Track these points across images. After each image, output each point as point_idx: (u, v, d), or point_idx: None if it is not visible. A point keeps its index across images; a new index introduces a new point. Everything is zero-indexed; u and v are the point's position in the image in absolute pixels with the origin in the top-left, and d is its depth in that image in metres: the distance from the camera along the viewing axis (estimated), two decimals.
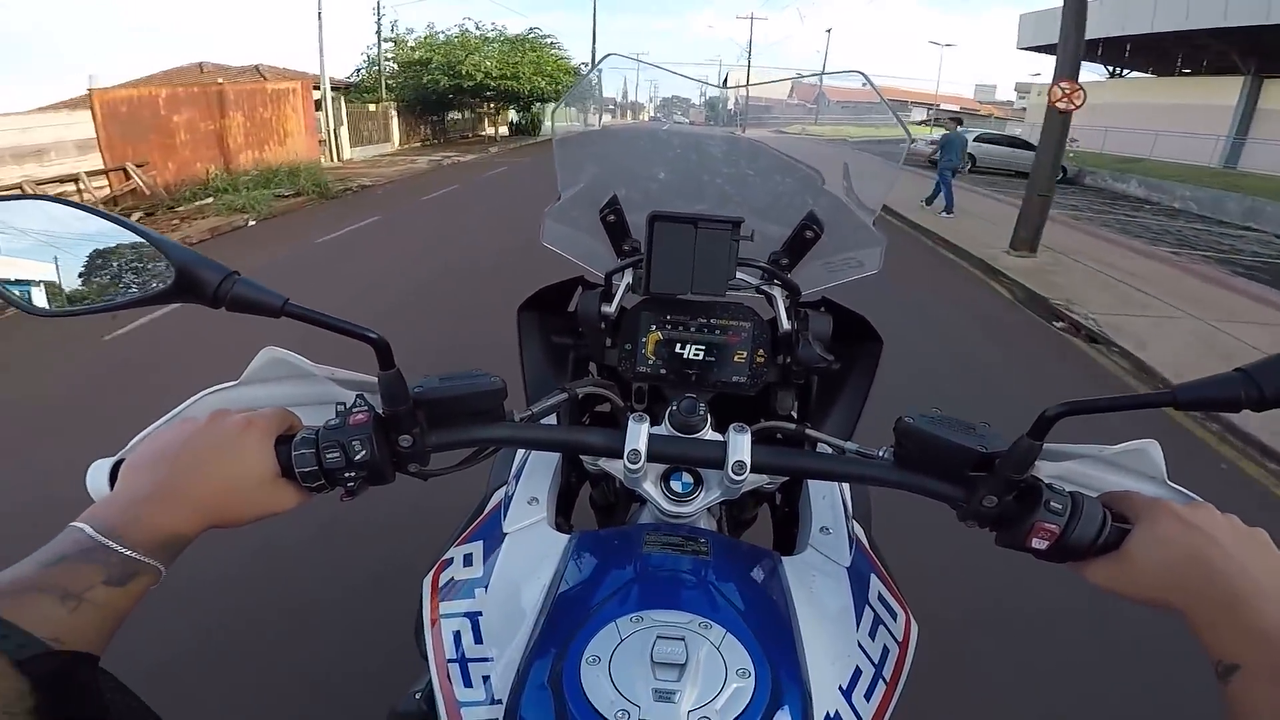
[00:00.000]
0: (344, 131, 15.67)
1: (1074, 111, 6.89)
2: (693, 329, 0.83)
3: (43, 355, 3.71)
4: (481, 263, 6.02)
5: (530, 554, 0.68)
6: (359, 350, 0.53)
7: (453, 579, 0.68)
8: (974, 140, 15.72)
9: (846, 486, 0.83)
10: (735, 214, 0.78)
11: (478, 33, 21.19)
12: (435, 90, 19.53)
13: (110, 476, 0.53)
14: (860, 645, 0.61)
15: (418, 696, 0.73)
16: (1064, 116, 6.99)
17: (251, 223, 8.10)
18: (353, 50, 37.70)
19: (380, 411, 0.55)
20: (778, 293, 0.85)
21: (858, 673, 0.59)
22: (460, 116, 23.68)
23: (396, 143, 18.86)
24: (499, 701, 0.54)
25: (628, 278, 0.86)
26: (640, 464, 0.61)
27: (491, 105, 24.08)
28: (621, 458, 0.62)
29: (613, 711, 0.45)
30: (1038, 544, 0.52)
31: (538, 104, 24.71)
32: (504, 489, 0.80)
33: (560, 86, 20.87)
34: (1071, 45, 6.92)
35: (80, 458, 0.55)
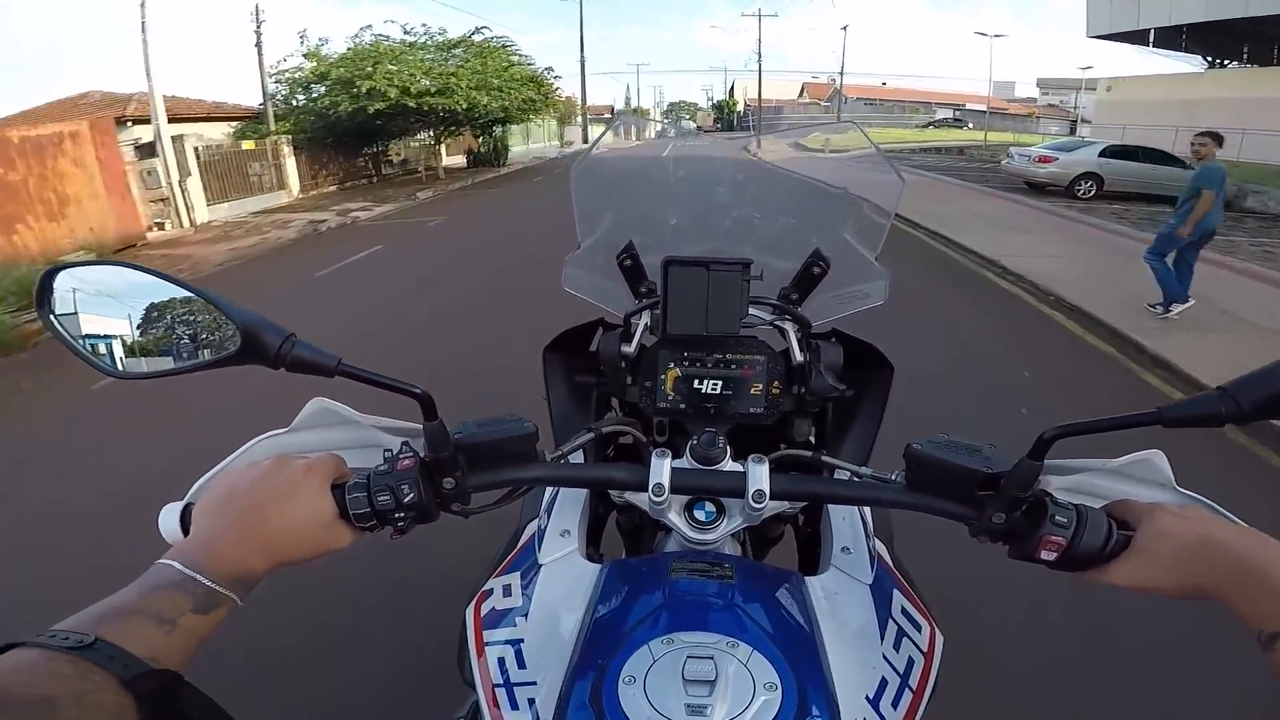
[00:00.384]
0: (194, 184, 10.87)
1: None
2: (709, 365, 0.86)
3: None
4: None
5: (565, 583, 0.72)
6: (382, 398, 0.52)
7: (494, 608, 0.72)
8: (1098, 154, 12.43)
9: (866, 508, 0.86)
10: (745, 254, 0.82)
11: (403, 38, 15.48)
12: (337, 115, 13.90)
13: (181, 519, 0.59)
14: (885, 657, 0.64)
15: None
16: None
17: None
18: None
19: (424, 456, 0.60)
20: (789, 326, 0.89)
21: (884, 683, 0.62)
22: (404, 146, 18.31)
23: (296, 189, 13.77)
24: None
25: (645, 318, 0.90)
26: (664, 496, 0.65)
27: (440, 131, 17.77)
28: (646, 491, 0.65)
29: None
30: (1047, 555, 0.55)
31: (499, 126, 19.62)
32: (536, 522, 0.84)
33: (512, 101, 16.44)
34: None
35: None
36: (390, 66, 13.89)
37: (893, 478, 0.65)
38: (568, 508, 0.85)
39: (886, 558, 0.81)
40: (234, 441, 0.66)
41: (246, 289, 6.69)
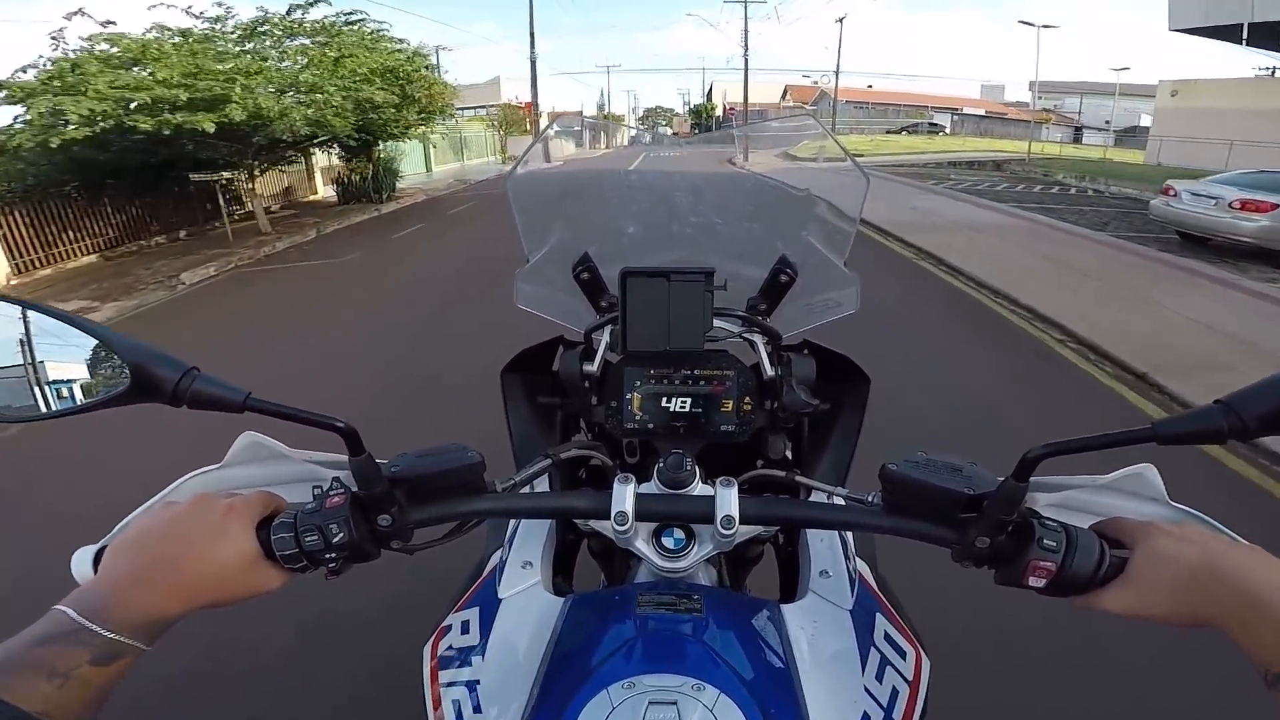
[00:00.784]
0: None
1: None
2: (677, 381, 0.83)
3: None
4: None
5: (525, 619, 0.69)
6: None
7: (451, 646, 0.69)
8: (1214, 181, 8.43)
9: None
10: (708, 263, 0.79)
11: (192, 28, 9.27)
12: (75, 148, 7.68)
13: (95, 562, 0.55)
14: (867, 689, 0.61)
15: None
16: None
17: None
18: None
19: (357, 492, 0.56)
20: (758, 339, 0.86)
21: (865, 718, 0.59)
22: (218, 180, 9.74)
23: (3, 273, 7.62)
24: None
25: (607, 334, 0.87)
26: (629, 525, 0.62)
27: (256, 160, 10.62)
28: (609, 519, 0.62)
29: None
30: (1035, 581, 0.51)
31: (380, 143, 13.53)
32: (500, 552, 0.81)
33: (339, 106, 9.96)
34: None
35: None
36: (106, 78, 7.57)
37: (870, 500, 0.62)
38: (530, 538, 0.81)
39: (869, 578, 0.78)
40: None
41: None
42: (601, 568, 1.09)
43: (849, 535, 0.82)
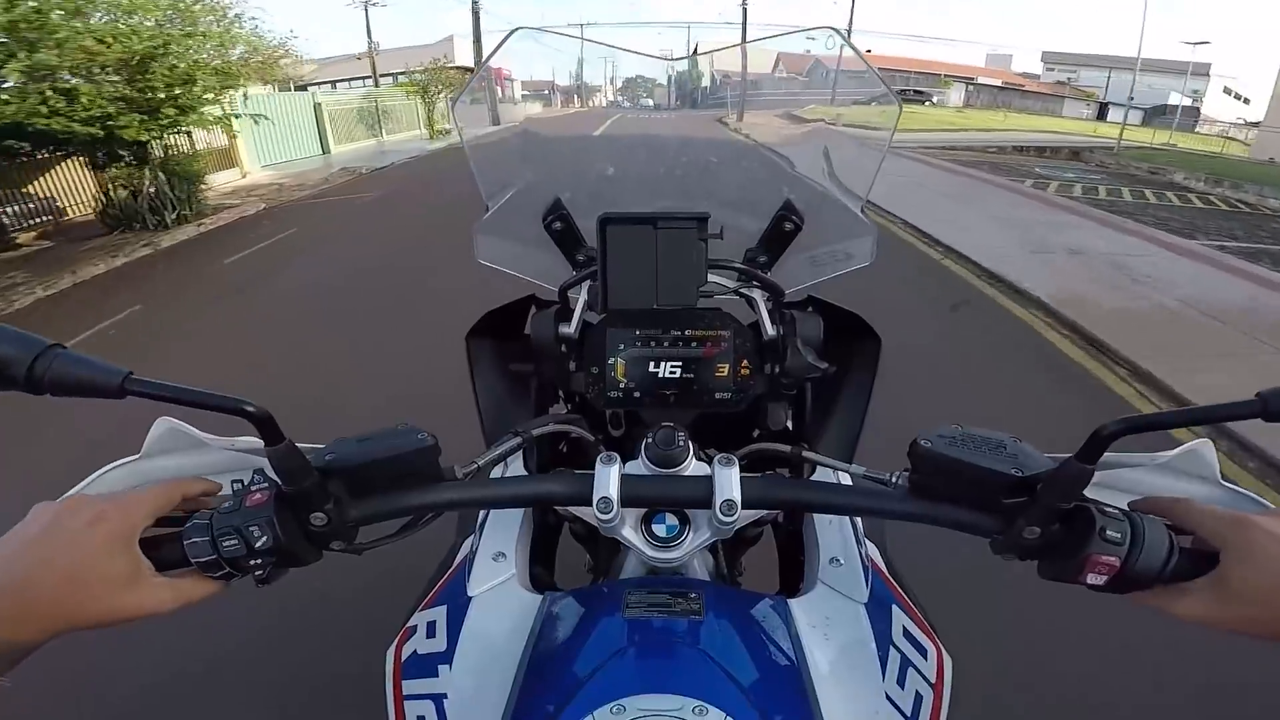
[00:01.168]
0: None
1: None
2: (666, 344, 0.74)
3: None
4: None
5: (498, 621, 0.62)
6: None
7: (415, 652, 0.62)
8: None
9: None
10: (700, 208, 0.69)
11: None
12: None
13: None
14: (889, 696, 0.55)
15: None
16: None
17: None
18: None
19: (283, 488, 0.48)
20: (758, 295, 0.77)
21: None
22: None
23: None
24: None
25: (585, 292, 0.77)
26: (614, 511, 0.54)
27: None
28: (591, 506, 0.54)
29: None
30: (1095, 579, 0.45)
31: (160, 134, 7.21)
32: (470, 541, 0.73)
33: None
34: None
35: None
36: None
37: (893, 480, 0.54)
38: (503, 525, 0.74)
39: (880, 564, 0.70)
40: None
41: None
42: (587, 551, 1.01)
43: (859, 517, 0.74)
